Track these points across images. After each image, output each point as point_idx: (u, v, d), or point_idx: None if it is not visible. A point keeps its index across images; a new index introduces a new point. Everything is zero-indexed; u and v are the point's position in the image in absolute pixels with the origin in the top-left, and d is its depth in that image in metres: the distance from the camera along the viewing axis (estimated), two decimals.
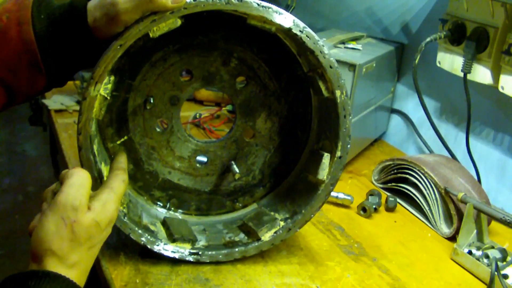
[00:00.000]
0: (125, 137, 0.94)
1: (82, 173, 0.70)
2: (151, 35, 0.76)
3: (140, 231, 0.86)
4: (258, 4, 0.78)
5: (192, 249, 0.90)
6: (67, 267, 0.66)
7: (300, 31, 0.81)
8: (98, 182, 0.82)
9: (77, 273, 0.67)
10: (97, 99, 0.78)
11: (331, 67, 0.83)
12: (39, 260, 0.65)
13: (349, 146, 0.88)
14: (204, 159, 1.00)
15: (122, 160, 0.85)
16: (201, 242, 0.92)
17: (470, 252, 0.98)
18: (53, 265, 0.65)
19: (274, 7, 0.79)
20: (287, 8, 1.64)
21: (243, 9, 0.78)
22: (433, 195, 1.10)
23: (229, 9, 0.78)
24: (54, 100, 1.51)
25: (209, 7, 0.76)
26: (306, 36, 0.81)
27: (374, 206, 1.13)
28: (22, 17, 0.73)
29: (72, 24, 0.75)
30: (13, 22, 0.73)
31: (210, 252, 0.90)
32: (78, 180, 0.69)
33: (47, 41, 0.74)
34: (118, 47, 0.74)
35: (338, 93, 0.85)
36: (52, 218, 0.66)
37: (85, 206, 0.69)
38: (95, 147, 0.83)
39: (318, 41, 0.82)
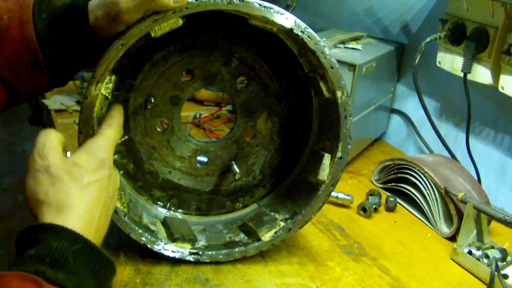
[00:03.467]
0: (126, 137, 0.94)
1: (44, 130, 0.69)
2: (152, 34, 0.76)
3: (140, 231, 0.86)
4: (259, 5, 0.78)
5: (192, 249, 0.90)
6: (62, 211, 0.63)
7: (301, 31, 0.81)
8: None
9: (78, 217, 0.64)
10: (98, 98, 0.78)
11: (332, 67, 0.83)
12: (35, 216, 0.64)
13: (349, 146, 0.88)
14: (205, 159, 1.00)
15: (114, 112, 0.81)
16: (201, 242, 0.92)
17: (470, 252, 0.98)
18: (47, 214, 0.63)
19: (276, 8, 0.79)
20: (287, 8, 1.64)
21: (245, 9, 0.78)
22: (433, 195, 1.10)
23: (230, 9, 0.78)
24: (54, 100, 1.51)
25: (211, 7, 0.76)
26: (308, 36, 0.81)
27: (374, 206, 1.13)
28: (24, 17, 0.73)
29: (73, 24, 0.75)
30: (15, 22, 0.73)
31: (210, 252, 0.90)
32: (41, 136, 0.68)
33: (48, 41, 0.74)
34: (120, 46, 0.74)
35: (339, 93, 0.85)
36: (29, 176, 0.66)
37: (57, 152, 0.67)
38: None
39: (320, 41, 0.82)
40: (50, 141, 0.68)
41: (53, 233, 0.60)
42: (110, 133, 0.76)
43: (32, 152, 0.67)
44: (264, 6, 0.78)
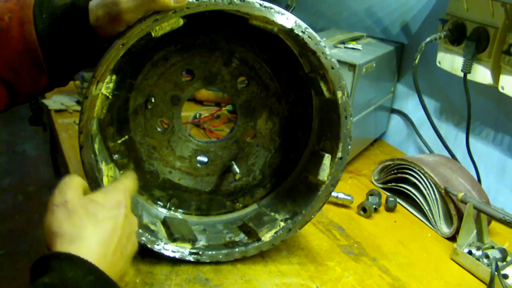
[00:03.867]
0: (126, 137, 0.94)
1: (69, 175, 0.71)
2: (153, 34, 0.77)
3: (140, 231, 0.86)
4: (260, 5, 0.78)
5: (192, 249, 0.90)
6: (74, 243, 0.64)
7: (302, 31, 0.81)
8: (99, 180, 0.82)
9: (89, 249, 0.64)
10: (99, 98, 0.79)
11: (332, 68, 0.83)
12: (49, 248, 0.65)
13: (350, 147, 0.88)
14: (205, 159, 1.00)
15: (129, 173, 0.83)
16: (201, 242, 0.92)
17: (470, 252, 0.98)
18: (59, 245, 0.64)
19: (277, 8, 0.79)
20: (287, 8, 1.64)
21: (246, 9, 0.78)
22: (433, 195, 1.10)
23: (231, 9, 0.78)
24: (54, 100, 1.51)
25: (212, 7, 0.76)
26: (308, 37, 0.81)
27: (374, 206, 1.13)
28: (24, 17, 0.73)
29: (74, 23, 0.75)
30: (15, 22, 0.73)
31: (210, 252, 0.90)
32: (65, 178, 0.70)
33: (49, 41, 0.74)
34: (120, 46, 0.74)
35: (339, 94, 0.85)
36: (48, 211, 0.67)
37: (76, 190, 0.69)
38: (96, 146, 0.83)
39: (320, 42, 0.82)
40: (72, 181, 0.70)
41: (68, 263, 0.61)
42: (127, 181, 0.78)
43: (54, 190, 0.69)
44: (265, 6, 0.78)
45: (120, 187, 0.75)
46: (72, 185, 0.69)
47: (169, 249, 0.89)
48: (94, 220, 0.67)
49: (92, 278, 0.61)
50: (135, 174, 0.83)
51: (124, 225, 0.70)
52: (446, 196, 1.07)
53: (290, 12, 0.80)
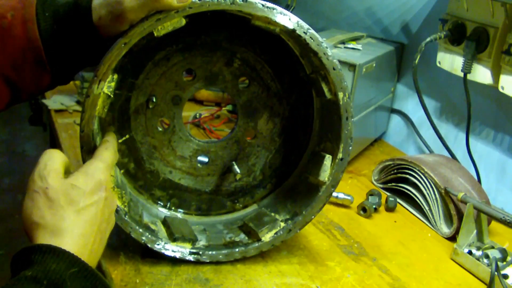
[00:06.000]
0: (127, 136, 0.94)
1: (49, 151, 0.70)
2: (155, 34, 0.76)
3: (140, 230, 0.86)
4: (263, 5, 0.78)
5: (192, 248, 0.90)
6: (57, 235, 0.64)
7: (304, 32, 0.81)
8: None
9: (72, 241, 0.64)
10: (100, 97, 0.79)
11: (334, 69, 0.84)
12: (30, 237, 0.65)
13: (350, 148, 0.88)
14: (205, 159, 1.00)
15: (109, 137, 0.82)
16: (202, 242, 0.92)
17: (470, 252, 0.99)
18: (41, 237, 0.64)
19: (279, 8, 0.79)
20: (287, 8, 1.63)
21: (248, 9, 0.78)
22: (433, 195, 1.10)
23: (234, 10, 0.78)
24: (54, 100, 1.51)
25: (214, 7, 0.76)
26: (310, 37, 0.81)
27: (374, 206, 1.13)
28: (27, 15, 0.73)
29: (76, 22, 0.75)
30: (18, 20, 0.73)
31: (210, 252, 0.90)
32: (44, 157, 0.69)
33: (51, 39, 0.75)
34: (123, 45, 0.74)
35: (340, 95, 0.85)
36: (27, 195, 0.66)
37: (57, 173, 0.68)
38: (97, 145, 0.83)
39: (322, 42, 0.82)
40: (53, 162, 0.69)
41: (51, 255, 0.61)
42: (107, 155, 0.77)
43: (33, 172, 0.68)
44: (267, 7, 0.79)
45: (100, 165, 0.74)
46: (53, 167, 0.68)
47: (169, 248, 0.89)
48: (75, 209, 0.67)
49: (75, 270, 0.61)
50: (115, 139, 0.82)
51: (104, 209, 0.71)
52: (446, 196, 1.07)
53: (290, 12, 0.80)
